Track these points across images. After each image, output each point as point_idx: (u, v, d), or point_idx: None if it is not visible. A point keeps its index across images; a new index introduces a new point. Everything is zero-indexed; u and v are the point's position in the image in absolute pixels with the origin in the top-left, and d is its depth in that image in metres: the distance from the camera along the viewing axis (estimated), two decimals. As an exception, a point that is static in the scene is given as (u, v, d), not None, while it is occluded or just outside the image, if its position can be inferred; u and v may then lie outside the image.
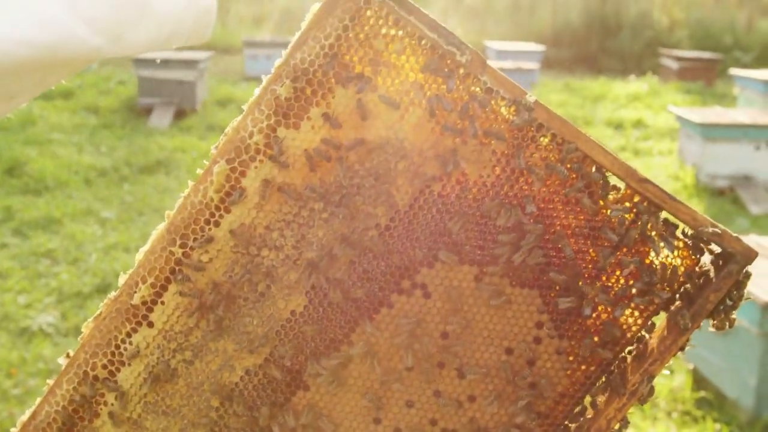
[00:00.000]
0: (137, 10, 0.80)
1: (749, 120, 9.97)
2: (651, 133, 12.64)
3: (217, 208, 1.14)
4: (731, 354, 4.89)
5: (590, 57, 19.26)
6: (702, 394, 5.12)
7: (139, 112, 13.28)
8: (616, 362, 1.18)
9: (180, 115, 13.16)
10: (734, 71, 13.35)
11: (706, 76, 16.87)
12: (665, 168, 10.28)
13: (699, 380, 5.24)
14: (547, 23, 19.97)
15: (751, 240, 5.34)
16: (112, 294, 1.20)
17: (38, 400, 1.24)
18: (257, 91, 1.11)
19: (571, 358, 1.17)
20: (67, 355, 1.23)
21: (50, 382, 1.23)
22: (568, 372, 1.18)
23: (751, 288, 4.62)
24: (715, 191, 9.62)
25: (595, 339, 1.16)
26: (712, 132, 9.80)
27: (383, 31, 1.07)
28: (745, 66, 17.60)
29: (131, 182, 9.89)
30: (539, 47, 15.45)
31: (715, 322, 1.13)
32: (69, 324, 6.25)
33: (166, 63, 13.36)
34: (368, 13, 1.07)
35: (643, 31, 20.09)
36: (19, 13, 0.72)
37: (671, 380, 5.34)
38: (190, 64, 13.30)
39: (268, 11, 23.99)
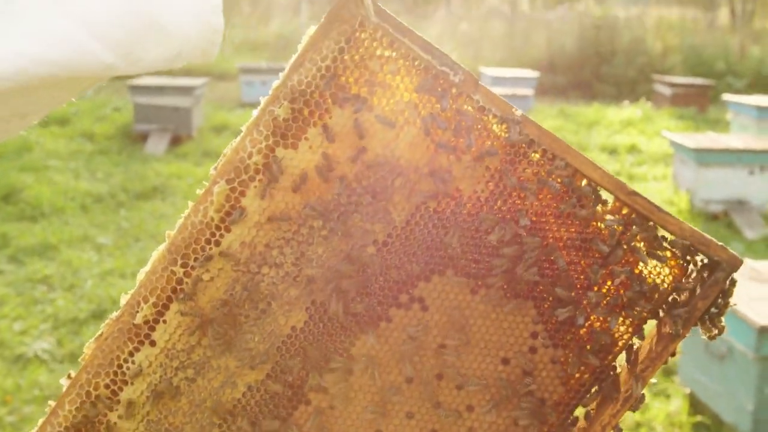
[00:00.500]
0: (147, 28, 0.82)
1: (743, 145, 10.04)
2: (645, 158, 12.71)
3: (218, 228, 1.16)
4: (728, 378, 4.90)
5: (584, 83, 19.37)
6: (699, 418, 5.12)
7: (134, 138, 13.33)
8: (609, 369, 1.20)
9: (176, 141, 13.20)
10: (727, 97, 13.44)
11: (699, 102, 16.97)
12: (660, 193, 10.33)
13: (696, 405, 5.24)
14: (541, 50, 20.09)
15: (746, 264, 5.36)
16: (114, 314, 1.21)
17: (40, 421, 1.26)
18: (255, 112, 1.14)
19: (565, 367, 1.19)
20: (69, 376, 1.24)
21: (52, 403, 1.24)
22: (563, 380, 1.20)
23: (747, 312, 4.64)
24: (709, 216, 9.66)
25: (588, 347, 1.18)
26: (705, 157, 9.85)
27: (378, 52, 1.10)
28: (737, 92, 17.71)
29: (127, 208, 9.91)
30: (534, 73, 15.54)
31: (705, 330, 1.16)
32: (65, 350, 6.24)
33: (161, 89, 13.43)
34: (363, 35, 1.10)
35: (636, 57, 20.22)
36: (36, 31, 0.75)
37: (668, 405, 5.34)
38: (185, 90, 13.36)
39: (264, 38, 24.13)
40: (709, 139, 10.40)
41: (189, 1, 0.87)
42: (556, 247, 1.15)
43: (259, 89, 16.19)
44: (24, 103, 0.83)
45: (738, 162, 9.90)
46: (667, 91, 17.17)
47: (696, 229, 1.14)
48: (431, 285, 1.18)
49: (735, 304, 1.17)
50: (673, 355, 1.15)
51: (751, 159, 9.91)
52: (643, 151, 13.09)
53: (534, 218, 1.15)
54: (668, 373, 5.64)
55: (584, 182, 1.14)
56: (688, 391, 5.35)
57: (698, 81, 17.70)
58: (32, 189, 10.19)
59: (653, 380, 1.18)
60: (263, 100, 1.13)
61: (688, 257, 1.16)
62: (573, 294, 1.16)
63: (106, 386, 1.22)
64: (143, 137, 13.29)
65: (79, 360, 1.24)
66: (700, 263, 1.16)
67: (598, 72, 19.76)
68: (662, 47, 21.81)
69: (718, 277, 1.13)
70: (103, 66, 0.80)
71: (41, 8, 0.75)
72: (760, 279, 4.94)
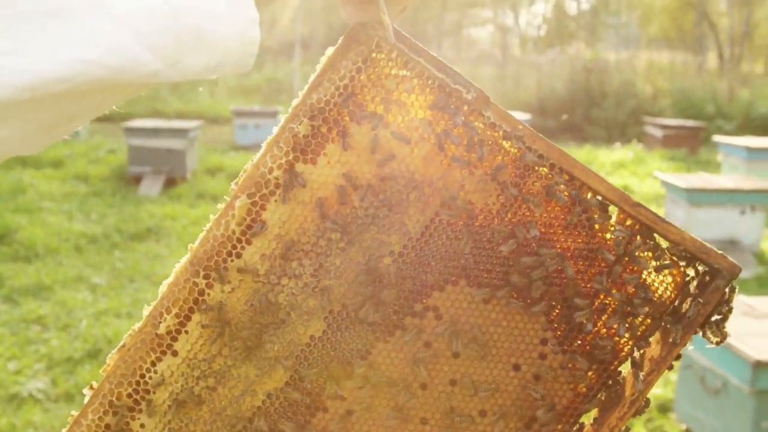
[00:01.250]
0: (192, 38, 0.87)
1: (734, 185, 10.14)
2: (637, 199, 12.76)
3: (239, 240, 1.21)
4: (724, 413, 4.93)
5: (575, 126, 19.55)
6: (695, 453, 5.13)
7: (128, 180, 13.38)
8: (616, 374, 1.25)
9: (170, 183, 13.26)
10: (717, 138, 13.61)
11: (690, 143, 17.14)
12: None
13: (692, 439, 5.25)
14: (532, 93, 20.30)
15: (740, 300, 5.41)
16: (137, 325, 1.25)
17: (63, 431, 1.28)
18: (275, 129, 1.19)
19: (574, 372, 1.24)
20: (91, 387, 1.28)
21: (74, 413, 1.27)
22: (572, 385, 1.24)
23: (742, 347, 4.69)
24: (701, 255, 9.69)
25: (596, 353, 1.23)
26: (697, 197, 9.94)
27: (394, 72, 1.15)
28: (727, 134, 17.92)
29: (122, 249, 9.93)
30: (525, 116, 15.67)
31: (711, 335, 1.21)
32: (59, 390, 6.23)
33: (156, 131, 13.51)
34: (380, 56, 1.15)
35: (627, 100, 20.44)
36: (92, 38, 0.80)
37: (664, 441, 5.36)
38: (179, 132, 13.45)
39: (257, 82, 24.30)
40: (700, 180, 10.50)
41: (229, 14, 0.92)
42: (564, 256, 1.20)
43: (252, 132, 16.29)
44: (74, 107, 0.88)
45: (729, 202, 10.00)
46: (658, 132, 17.33)
47: (696, 238, 1.19)
48: (445, 294, 1.22)
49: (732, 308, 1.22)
50: (677, 359, 1.20)
51: (742, 199, 10.01)
52: (635, 192, 13.19)
53: (543, 229, 1.20)
54: (664, 410, 5.66)
55: (590, 195, 1.19)
56: (684, 427, 5.37)
57: (689, 123, 17.90)
58: (26, 230, 10.22)
59: (650, 417, 1.22)
60: (283, 118, 1.18)
61: (690, 265, 1.21)
62: (578, 301, 1.21)
63: (129, 395, 1.25)
64: (137, 179, 13.35)
65: (101, 371, 1.27)
66: (701, 271, 1.21)
67: (589, 115, 19.95)
68: (652, 90, 22.05)
69: (719, 284, 1.19)
70: (151, 72, 0.85)
71: (94, 17, 0.81)
72: (753, 314, 4.99)
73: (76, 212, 11.46)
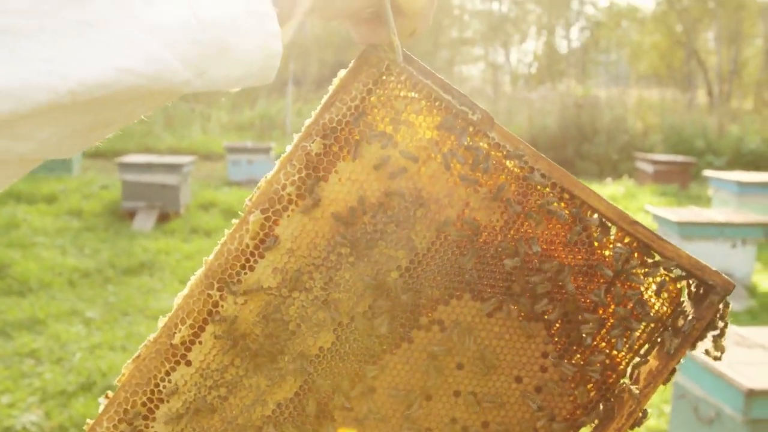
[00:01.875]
0: (218, 50, 0.93)
1: (725, 218, 10.21)
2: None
3: (252, 254, 1.25)
4: (717, 444, 4.95)
5: (567, 161, 19.68)
6: (689, 483, 5.14)
7: (122, 215, 13.40)
8: (615, 387, 1.29)
9: (163, 218, 13.29)
10: (708, 173, 13.72)
11: (680, 178, 17.29)
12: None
13: (685, 470, 5.27)
14: (523, 128, 20.44)
15: (732, 331, 5.46)
16: (152, 336, 1.29)
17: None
18: (288, 148, 1.24)
19: (573, 385, 1.28)
20: (107, 396, 1.32)
21: (90, 421, 1.31)
22: (572, 397, 1.29)
23: (734, 376, 4.72)
24: (693, 288, 9.75)
25: (597, 365, 1.27)
26: (688, 231, 10.01)
27: (402, 93, 1.21)
28: (718, 169, 18.08)
29: (115, 283, 9.94)
30: (516, 151, 15.71)
31: (711, 350, 1.26)
32: (53, 423, 6.22)
33: (149, 167, 13.56)
34: (389, 78, 1.21)
35: (618, 135, 20.60)
36: (129, 47, 0.86)
37: (658, 472, 5.37)
38: (173, 168, 13.50)
39: (249, 118, 24.41)
40: (691, 213, 10.58)
41: (252, 28, 0.97)
42: (566, 272, 1.25)
43: (245, 168, 16.35)
44: (109, 113, 0.93)
45: (720, 235, 10.07)
46: (649, 168, 17.47)
47: (691, 255, 1.24)
48: (449, 308, 1.27)
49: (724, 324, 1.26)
50: (673, 372, 1.24)
51: (733, 232, 10.08)
52: (626, 226, 13.25)
53: (544, 246, 1.25)
54: (658, 441, 5.68)
55: (590, 213, 1.24)
56: (678, 457, 5.38)
57: (679, 158, 18.04)
58: (19, 265, 10.23)
59: None
60: (296, 137, 1.24)
61: (685, 281, 1.26)
62: (581, 317, 1.26)
63: (143, 404, 1.29)
64: (131, 214, 13.38)
65: (116, 382, 1.32)
66: (696, 287, 1.27)
67: (580, 150, 20.10)
68: (643, 126, 22.25)
69: (713, 299, 1.24)
70: (181, 82, 0.91)
71: (130, 27, 0.86)
72: (745, 344, 5.04)
73: (70, 247, 11.48)
